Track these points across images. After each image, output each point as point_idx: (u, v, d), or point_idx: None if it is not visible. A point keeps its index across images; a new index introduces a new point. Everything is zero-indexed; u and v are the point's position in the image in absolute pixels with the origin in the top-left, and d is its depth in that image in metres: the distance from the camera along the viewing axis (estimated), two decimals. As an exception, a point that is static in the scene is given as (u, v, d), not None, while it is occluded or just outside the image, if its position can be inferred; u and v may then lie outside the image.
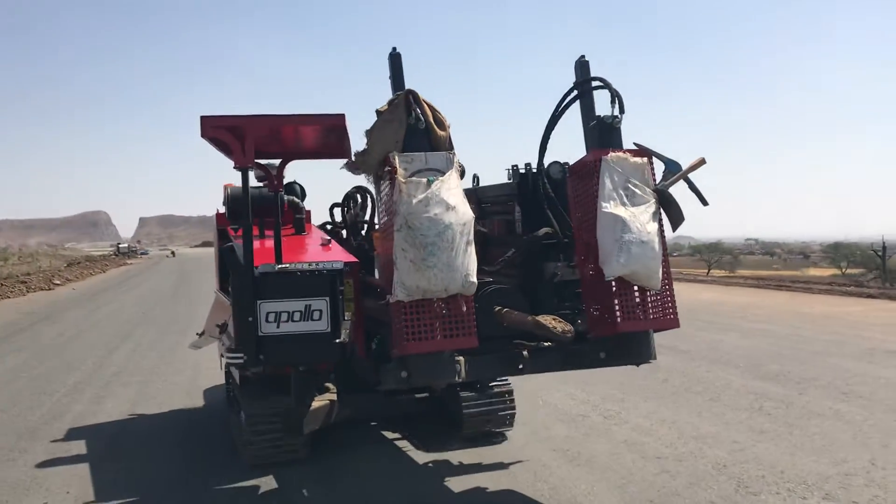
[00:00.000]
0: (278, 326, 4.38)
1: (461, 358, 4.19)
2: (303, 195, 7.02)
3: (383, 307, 5.65)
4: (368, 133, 4.25)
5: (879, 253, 42.39)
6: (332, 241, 6.33)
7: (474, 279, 3.97)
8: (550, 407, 7.54)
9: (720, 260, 65.70)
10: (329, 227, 7.34)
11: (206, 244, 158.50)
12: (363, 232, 7.10)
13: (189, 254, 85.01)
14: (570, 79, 4.88)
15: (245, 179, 4.34)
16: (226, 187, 6.74)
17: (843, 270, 65.46)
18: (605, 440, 6.41)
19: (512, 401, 6.30)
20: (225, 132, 4.23)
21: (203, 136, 4.30)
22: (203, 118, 4.22)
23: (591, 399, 7.81)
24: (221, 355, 7.80)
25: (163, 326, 15.63)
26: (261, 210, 6.36)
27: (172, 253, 77.51)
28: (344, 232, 7.27)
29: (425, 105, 4.17)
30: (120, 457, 6.26)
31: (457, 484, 5.37)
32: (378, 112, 4.21)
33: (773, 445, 6.14)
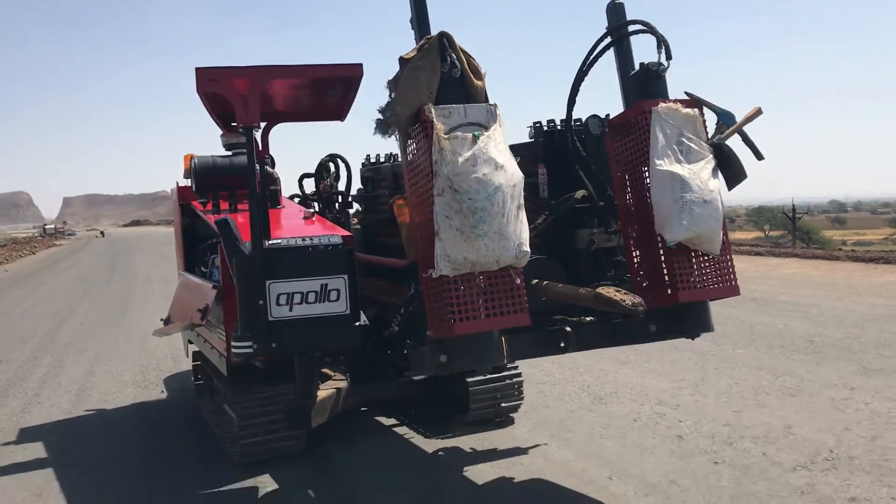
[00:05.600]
0: (291, 310, 3.84)
1: (503, 338, 3.70)
2: (272, 164, 6.42)
3: (387, 286, 5.13)
4: (393, 84, 3.69)
5: (790, 216, 44.49)
6: (317, 214, 5.76)
7: (528, 248, 3.47)
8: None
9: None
10: (298, 200, 6.74)
11: (134, 223, 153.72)
12: (337, 204, 6.55)
13: (118, 233, 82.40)
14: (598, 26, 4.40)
15: (249, 142, 3.73)
16: (188, 158, 6.09)
17: (766, 233, 67.58)
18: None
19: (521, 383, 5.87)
20: (226, 86, 3.61)
21: (199, 91, 3.68)
22: (199, 70, 3.59)
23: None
24: (189, 342, 7.13)
25: (105, 303, 15.58)
26: (233, 181, 5.73)
27: (102, 233, 75.11)
28: (317, 205, 6.68)
29: (460, 50, 3.61)
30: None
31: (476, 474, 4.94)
32: (403, 59, 3.61)
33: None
